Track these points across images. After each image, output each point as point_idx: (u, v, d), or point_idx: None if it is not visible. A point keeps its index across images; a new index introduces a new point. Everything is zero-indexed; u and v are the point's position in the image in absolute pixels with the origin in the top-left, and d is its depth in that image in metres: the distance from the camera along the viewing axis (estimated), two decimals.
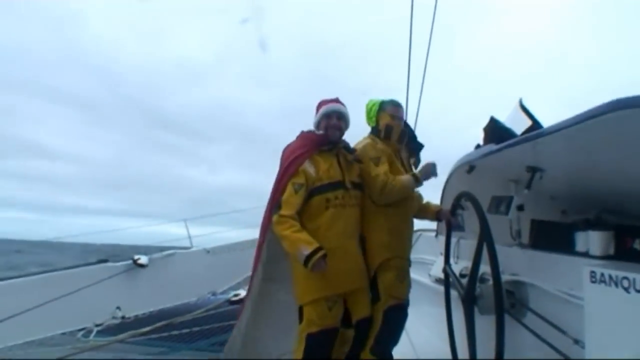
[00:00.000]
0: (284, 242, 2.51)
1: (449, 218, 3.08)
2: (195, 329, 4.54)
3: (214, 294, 5.70)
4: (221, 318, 4.64)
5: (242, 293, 5.11)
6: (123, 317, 4.99)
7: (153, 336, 4.46)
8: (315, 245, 2.42)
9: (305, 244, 2.43)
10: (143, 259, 6.20)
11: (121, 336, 4.45)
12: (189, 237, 7.66)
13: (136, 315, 5.04)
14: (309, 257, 2.40)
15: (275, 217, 2.55)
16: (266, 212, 2.79)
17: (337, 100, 2.89)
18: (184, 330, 4.53)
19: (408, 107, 3.94)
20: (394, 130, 2.97)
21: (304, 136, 2.84)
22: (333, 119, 2.82)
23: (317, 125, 2.84)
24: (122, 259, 6.19)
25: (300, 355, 2.50)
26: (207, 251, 7.17)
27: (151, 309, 5.13)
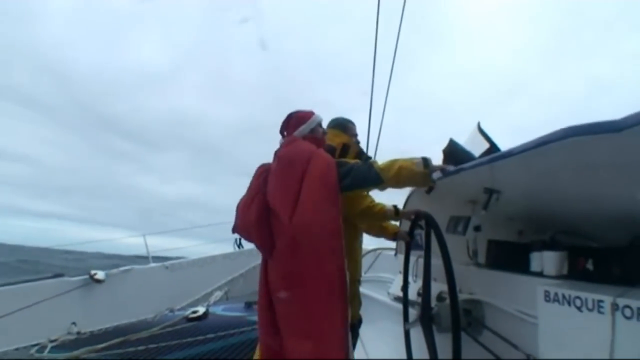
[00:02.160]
0: (400, 172, 2.38)
1: (406, 239, 3.13)
2: (152, 345, 4.43)
3: (171, 310, 5.60)
4: (179, 335, 4.55)
5: (201, 310, 5.06)
6: (78, 333, 4.85)
7: (109, 352, 4.34)
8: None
9: (413, 158, 2.43)
10: (100, 274, 6.09)
11: (76, 352, 4.31)
12: (148, 253, 7.57)
13: (92, 331, 4.90)
14: (426, 160, 2.41)
15: (372, 164, 2.44)
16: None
17: None
18: (141, 347, 4.42)
19: (370, 130, 3.99)
20: (350, 149, 2.99)
21: (315, 139, 2.70)
22: (323, 128, 2.83)
23: (313, 132, 2.74)
24: (77, 273, 6.08)
25: None
26: (166, 267, 7.10)
27: (107, 325, 5.00)
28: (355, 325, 2.98)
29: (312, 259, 2.24)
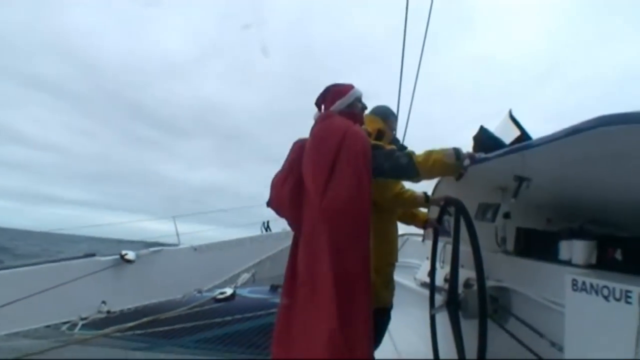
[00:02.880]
0: (434, 165, 2.38)
1: (436, 227, 3.14)
2: (180, 325, 4.55)
3: (199, 291, 5.72)
4: (206, 316, 4.65)
5: (228, 291, 5.15)
6: (108, 312, 5.01)
7: (137, 332, 4.47)
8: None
9: (445, 150, 2.42)
10: (130, 255, 6.23)
11: (106, 330, 4.46)
12: (177, 234, 7.70)
13: (121, 310, 5.05)
14: (458, 151, 2.41)
15: (411, 156, 2.41)
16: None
17: None
18: (168, 327, 4.54)
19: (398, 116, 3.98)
20: (385, 137, 2.99)
21: (352, 114, 2.64)
22: (363, 103, 2.77)
23: (350, 107, 2.67)
24: (110, 253, 6.22)
25: None
26: (194, 249, 7.22)
27: (137, 305, 5.14)
28: (388, 310, 3.01)
29: (339, 242, 2.22)
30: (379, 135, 2.96)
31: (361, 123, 2.70)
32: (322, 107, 2.71)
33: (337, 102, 2.64)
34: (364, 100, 2.78)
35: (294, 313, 2.35)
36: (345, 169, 2.28)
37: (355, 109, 2.69)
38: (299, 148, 2.58)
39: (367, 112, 3.06)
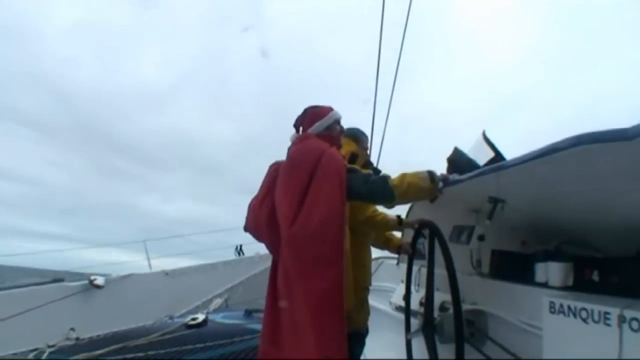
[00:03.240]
0: (409, 189, 2.33)
1: (409, 252, 3.11)
2: (151, 352, 4.41)
3: (171, 317, 5.58)
4: (178, 342, 4.53)
5: (200, 317, 5.03)
6: (77, 339, 4.85)
7: (107, 359, 4.32)
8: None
9: (419, 173, 2.39)
10: (100, 280, 6.11)
11: (74, 358, 4.30)
12: (148, 259, 7.55)
13: (90, 337, 4.89)
14: (432, 174, 2.38)
15: (387, 180, 2.34)
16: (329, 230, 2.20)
17: None
18: (139, 354, 4.40)
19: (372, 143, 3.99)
20: (358, 158, 2.96)
21: (330, 137, 2.59)
22: (341, 126, 2.73)
23: (328, 129, 2.62)
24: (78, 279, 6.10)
25: None
26: (166, 273, 7.10)
27: (106, 331, 4.99)
28: (362, 334, 2.97)
29: (307, 268, 2.17)
30: (352, 157, 2.92)
31: (339, 146, 2.66)
32: (300, 129, 2.67)
33: (316, 124, 2.60)
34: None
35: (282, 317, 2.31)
36: (319, 193, 2.23)
37: (333, 131, 2.65)
38: (275, 170, 2.53)
39: None
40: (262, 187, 2.58)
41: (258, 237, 2.56)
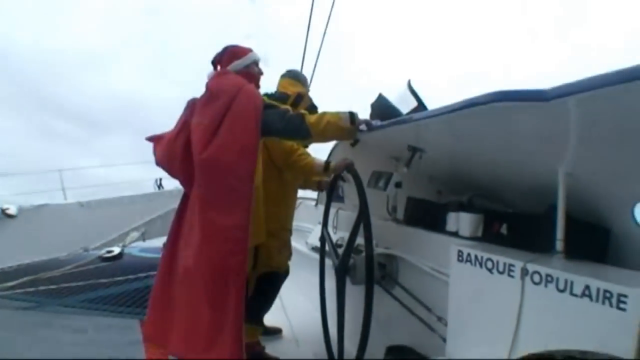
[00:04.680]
0: (327, 127, 2.34)
1: (327, 189, 3.13)
2: (64, 285, 4.28)
3: (86, 249, 5.41)
4: (92, 275, 4.42)
5: (116, 250, 4.91)
6: None
7: (19, 291, 4.16)
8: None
9: (340, 113, 2.39)
10: (12, 209, 5.80)
11: None
12: (63, 189, 7.23)
13: (1, 268, 4.67)
14: (352, 115, 2.38)
15: (304, 116, 2.35)
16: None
17: None
18: (52, 286, 4.26)
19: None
20: (303, 99, 2.96)
21: (249, 75, 2.59)
22: (259, 68, 2.71)
23: (247, 68, 2.62)
24: None
25: None
26: (82, 205, 6.82)
27: (19, 263, 4.77)
28: (279, 275, 3.00)
29: (217, 198, 2.19)
30: (298, 98, 2.93)
31: (257, 85, 2.63)
32: (219, 67, 2.63)
33: (235, 62, 2.58)
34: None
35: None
36: (234, 125, 2.22)
37: (252, 70, 2.64)
38: (192, 105, 2.48)
39: (282, 75, 3.16)
40: (178, 121, 2.51)
41: (170, 170, 2.51)
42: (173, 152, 2.40)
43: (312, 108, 3.00)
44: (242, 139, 2.20)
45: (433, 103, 2.47)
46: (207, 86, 2.44)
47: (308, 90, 3.21)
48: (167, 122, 2.59)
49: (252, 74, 2.63)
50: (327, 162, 2.82)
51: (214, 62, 2.66)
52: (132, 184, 8.40)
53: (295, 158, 2.76)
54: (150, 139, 2.63)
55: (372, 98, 2.75)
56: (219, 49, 2.62)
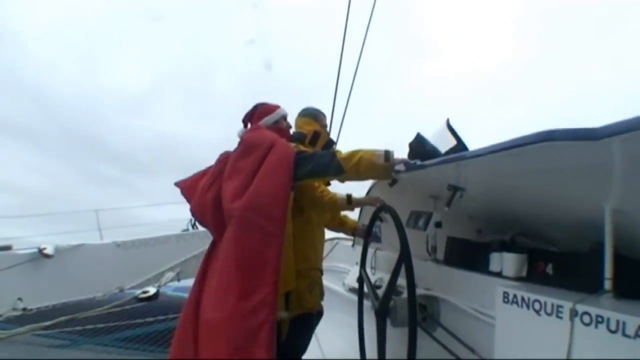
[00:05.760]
0: (360, 163, 2.36)
1: (363, 235, 3.13)
2: (100, 325, 4.33)
3: (121, 290, 5.47)
4: (128, 315, 4.46)
5: (151, 290, 4.95)
6: (24, 309, 4.69)
7: (55, 331, 4.22)
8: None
9: (375, 150, 2.41)
10: (49, 249, 5.91)
11: (21, 329, 4.17)
12: (99, 229, 7.36)
13: (38, 308, 4.75)
14: (387, 152, 2.39)
15: (334, 154, 2.41)
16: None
17: None
18: (88, 326, 4.31)
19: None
20: (320, 137, 2.99)
21: (279, 130, 2.72)
22: (288, 122, 2.86)
23: (276, 123, 2.78)
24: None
25: None
26: (118, 245, 6.92)
27: (55, 302, 4.85)
28: (312, 316, 2.97)
29: (250, 232, 2.18)
30: (315, 136, 2.97)
31: (288, 139, 2.72)
32: (249, 124, 2.80)
33: (265, 118, 2.75)
34: None
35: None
36: (266, 175, 2.28)
37: (281, 125, 2.80)
38: (225, 159, 2.61)
39: (299, 114, 3.15)
40: (209, 172, 2.62)
41: (202, 220, 2.62)
42: (204, 203, 2.49)
43: (330, 143, 3.04)
44: (276, 189, 2.24)
45: (470, 138, 2.48)
46: (242, 140, 2.54)
47: (325, 127, 3.25)
48: (206, 161, 2.69)
49: (282, 128, 2.77)
50: (349, 196, 2.84)
51: (245, 120, 2.81)
52: (168, 223, 8.51)
53: (318, 194, 2.77)
54: (177, 184, 2.73)
55: (411, 137, 2.76)
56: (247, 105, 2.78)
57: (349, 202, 2.82)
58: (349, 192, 2.88)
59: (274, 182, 2.26)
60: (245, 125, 2.82)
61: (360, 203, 2.90)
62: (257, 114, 2.78)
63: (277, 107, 2.83)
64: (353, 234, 3.57)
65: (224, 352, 2.05)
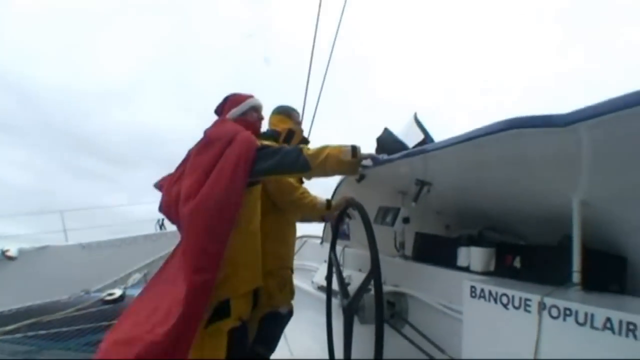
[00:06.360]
0: (327, 160, 2.29)
1: (333, 219, 3.09)
2: (65, 328, 4.23)
3: (87, 292, 5.36)
4: (94, 318, 4.36)
5: (117, 292, 4.86)
6: None
7: (19, 335, 4.10)
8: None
9: (342, 146, 2.33)
10: (12, 251, 5.77)
11: None
12: (65, 230, 7.19)
13: (1, 312, 4.62)
14: (355, 148, 2.31)
15: (301, 150, 2.32)
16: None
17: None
18: (53, 330, 4.21)
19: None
20: (295, 135, 2.97)
21: (245, 122, 2.62)
22: (259, 113, 2.74)
23: (244, 115, 2.67)
24: None
25: (223, 352, 2.28)
26: (83, 246, 6.79)
27: (19, 305, 4.72)
28: (282, 314, 2.93)
29: (197, 236, 2.16)
30: (289, 134, 2.94)
31: (255, 132, 2.65)
32: (221, 115, 2.70)
33: (233, 109, 2.65)
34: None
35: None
36: (222, 170, 2.24)
37: (249, 117, 2.68)
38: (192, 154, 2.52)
39: (273, 111, 3.11)
40: (177, 168, 2.55)
41: (169, 217, 2.54)
42: (170, 200, 2.42)
43: (304, 143, 3.00)
44: (229, 183, 2.21)
45: (440, 134, 2.46)
46: (204, 134, 2.48)
47: (300, 124, 3.20)
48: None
49: (250, 120, 2.67)
50: (329, 200, 2.80)
51: (217, 112, 2.72)
52: (141, 223, 8.36)
53: (298, 196, 2.73)
54: (157, 185, 2.65)
55: (378, 133, 2.74)
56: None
57: (329, 207, 2.78)
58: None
59: (227, 180, 2.22)
60: (219, 117, 2.72)
61: (338, 207, 2.87)
62: (227, 105, 2.69)
63: (247, 97, 2.73)
64: (322, 220, 3.51)
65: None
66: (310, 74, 4.40)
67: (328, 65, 4.49)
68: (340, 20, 4.43)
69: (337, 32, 4.46)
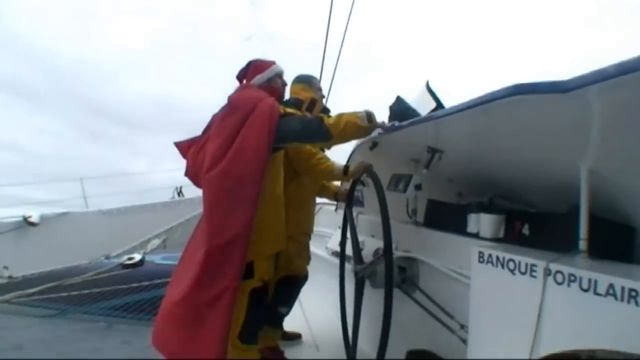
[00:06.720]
0: (346, 127, 2.35)
1: (345, 200, 3.12)
2: (85, 291, 4.34)
3: (107, 257, 5.47)
4: (113, 282, 4.47)
5: (137, 257, 4.96)
6: (10, 277, 4.70)
7: (41, 297, 4.23)
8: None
9: (357, 112, 2.39)
10: (35, 217, 5.87)
11: (7, 296, 4.18)
12: (84, 197, 7.29)
13: (24, 276, 4.75)
14: (370, 114, 2.38)
15: (322, 119, 2.38)
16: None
17: None
18: (74, 293, 4.32)
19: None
20: (317, 104, 2.99)
21: (270, 89, 2.63)
22: (282, 80, 2.76)
23: (269, 81, 2.68)
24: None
25: (243, 310, 2.36)
26: (103, 213, 6.88)
27: (40, 270, 4.84)
28: (298, 279, 3.02)
29: (220, 203, 2.22)
30: (312, 103, 2.97)
31: (279, 98, 2.67)
32: (244, 81, 2.69)
33: (257, 76, 2.65)
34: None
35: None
36: (246, 136, 2.26)
37: (274, 84, 2.69)
38: (216, 119, 2.53)
39: (294, 80, 3.13)
40: (202, 133, 2.58)
41: (196, 182, 2.57)
42: (196, 166, 2.46)
43: (325, 111, 3.02)
44: (252, 150, 2.23)
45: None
46: (228, 99, 2.48)
47: (320, 93, 3.22)
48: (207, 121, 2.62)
49: (275, 87, 2.68)
50: (347, 166, 2.82)
51: (239, 77, 2.72)
52: (160, 190, 8.44)
53: (315, 162, 2.76)
54: (177, 144, 2.68)
55: (391, 101, 2.74)
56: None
57: (346, 172, 2.81)
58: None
59: (252, 145, 2.24)
60: (240, 83, 2.73)
61: (355, 172, 2.89)
62: (251, 71, 2.69)
63: (271, 63, 2.72)
64: (336, 199, 3.56)
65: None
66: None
67: (342, 41, 4.45)
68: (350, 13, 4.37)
69: (348, 20, 4.41)
